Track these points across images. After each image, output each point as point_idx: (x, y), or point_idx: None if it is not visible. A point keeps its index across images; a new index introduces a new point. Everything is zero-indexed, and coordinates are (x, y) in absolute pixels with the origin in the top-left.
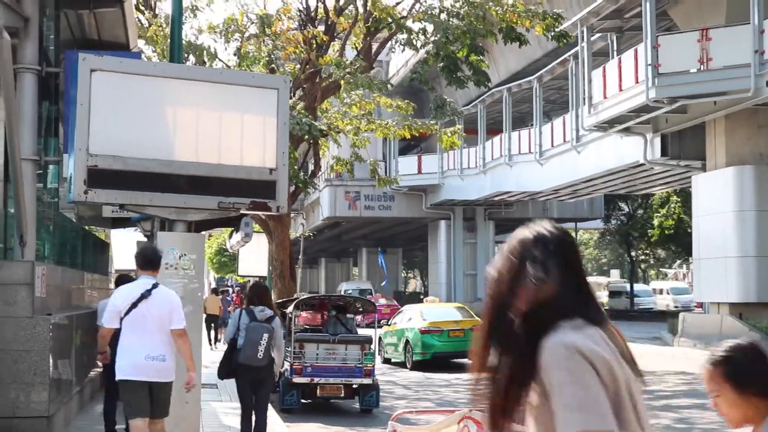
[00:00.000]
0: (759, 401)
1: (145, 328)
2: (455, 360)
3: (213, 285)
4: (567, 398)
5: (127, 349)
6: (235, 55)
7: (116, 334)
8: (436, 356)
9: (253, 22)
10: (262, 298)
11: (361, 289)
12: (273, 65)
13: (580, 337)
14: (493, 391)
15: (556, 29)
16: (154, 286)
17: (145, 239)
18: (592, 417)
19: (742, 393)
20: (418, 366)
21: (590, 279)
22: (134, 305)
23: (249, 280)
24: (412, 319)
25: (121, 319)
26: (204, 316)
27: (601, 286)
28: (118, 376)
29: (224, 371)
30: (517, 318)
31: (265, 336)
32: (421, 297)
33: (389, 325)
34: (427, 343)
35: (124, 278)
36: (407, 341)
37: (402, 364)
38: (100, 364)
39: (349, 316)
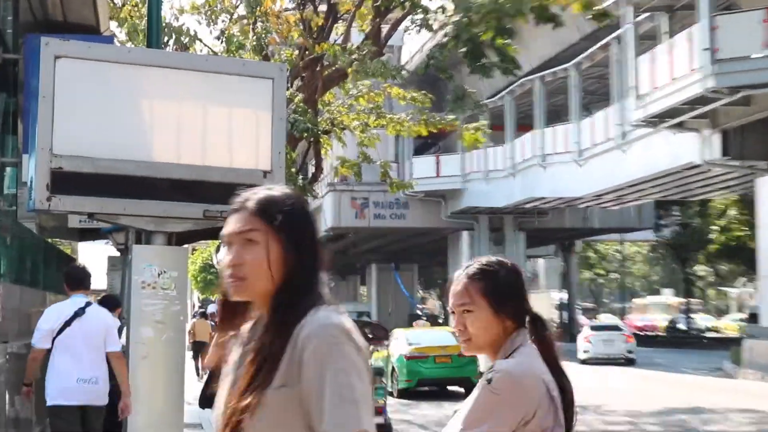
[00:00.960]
0: (510, 324)
1: (77, 349)
2: (450, 387)
3: (199, 307)
4: (343, 389)
5: (57, 372)
6: (218, 39)
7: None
8: (421, 383)
9: (241, 1)
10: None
11: (358, 311)
12: (266, 51)
13: (347, 320)
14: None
15: (597, 7)
16: (87, 304)
17: (117, 254)
18: (369, 416)
19: (498, 312)
20: (405, 394)
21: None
22: (67, 324)
23: None
24: (399, 344)
25: (53, 340)
26: (190, 342)
27: (670, 307)
28: (48, 402)
29: (204, 400)
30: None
31: None
32: (440, 321)
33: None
34: (412, 370)
35: (109, 299)
36: (393, 368)
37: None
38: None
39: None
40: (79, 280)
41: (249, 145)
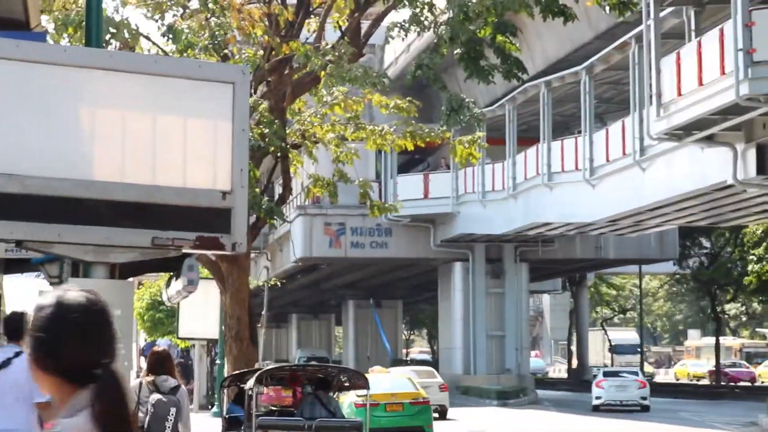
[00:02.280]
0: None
1: (2, 400)
2: None
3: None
4: None
5: None
6: (164, 36)
7: None
8: None
9: None
10: (164, 365)
11: (316, 357)
12: (225, 51)
13: None
14: None
15: None
16: (17, 354)
17: (50, 288)
18: None
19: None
20: None
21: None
22: None
23: (193, 345)
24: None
25: None
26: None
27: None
28: None
29: None
30: None
31: (172, 410)
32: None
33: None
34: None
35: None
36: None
37: None
38: None
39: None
40: (14, 330)
41: (206, 161)
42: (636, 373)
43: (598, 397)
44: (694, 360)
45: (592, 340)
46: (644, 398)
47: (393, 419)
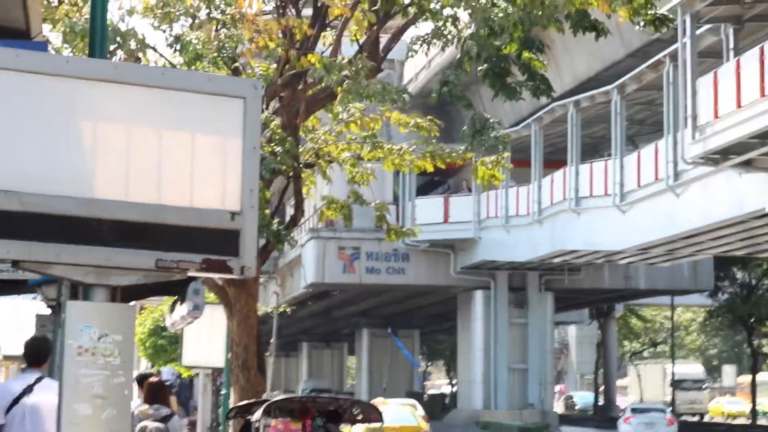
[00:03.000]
0: None
1: (26, 426)
2: None
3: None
4: None
5: None
6: (170, 47)
7: None
8: None
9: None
10: (158, 395)
11: (320, 389)
12: (237, 64)
13: None
14: None
15: (650, 12)
16: (37, 380)
17: (48, 312)
18: None
19: None
20: None
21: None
22: (15, 401)
23: (197, 373)
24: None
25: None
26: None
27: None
28: None
29: None
30: None
31: None
32: (446, 401)
33: None
34: None
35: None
36: None
37: None
38: None
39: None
40: (33, 357)
41: (214, 180)
42: (663, 411)
43: None
44: (729, 397)
45: (649, 373)
46: None
47: None
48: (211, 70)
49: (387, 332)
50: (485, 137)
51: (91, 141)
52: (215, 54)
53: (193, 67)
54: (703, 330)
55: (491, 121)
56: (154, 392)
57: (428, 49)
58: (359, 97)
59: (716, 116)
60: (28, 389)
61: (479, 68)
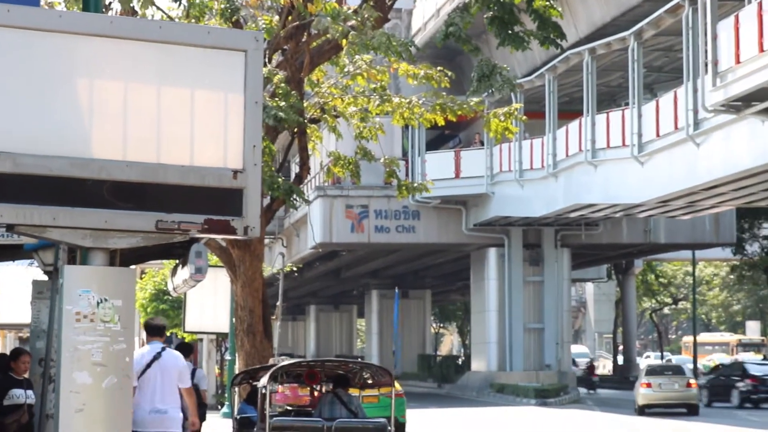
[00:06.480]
0: None
1: (155, 386)
2: None
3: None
4: None
5: (137, 405)
6: (176, 1)
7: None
8: None
9: None
10: (183, 351)
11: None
12: (237, 16)
13: None
14: None
15: None
16: (163, 349)
17: (45, 278)
18: None
19: None
20: None
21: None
22: (148, 366)
23: (201, 339)
24: None
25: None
26: None
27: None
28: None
29: None
30: None
31: None
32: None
33: None
34: None
35: (184, 346)
36: None
37: None
38: None
39: (352, 392)
40: (155, 330)
41: (215, 137)
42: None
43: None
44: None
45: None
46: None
47: (368, 410)
48: (213, 22)
49: (394, 293)
50: (493, 82)
51: (86, 99)
52: (225, 6)
53: (194, 22)
54: (726, 285)
55: (499, 66)
56: (181, 348)
57: None
58: (366, 48)
59: (738, 61)
60: (158, 356)
61: (484, 16)
